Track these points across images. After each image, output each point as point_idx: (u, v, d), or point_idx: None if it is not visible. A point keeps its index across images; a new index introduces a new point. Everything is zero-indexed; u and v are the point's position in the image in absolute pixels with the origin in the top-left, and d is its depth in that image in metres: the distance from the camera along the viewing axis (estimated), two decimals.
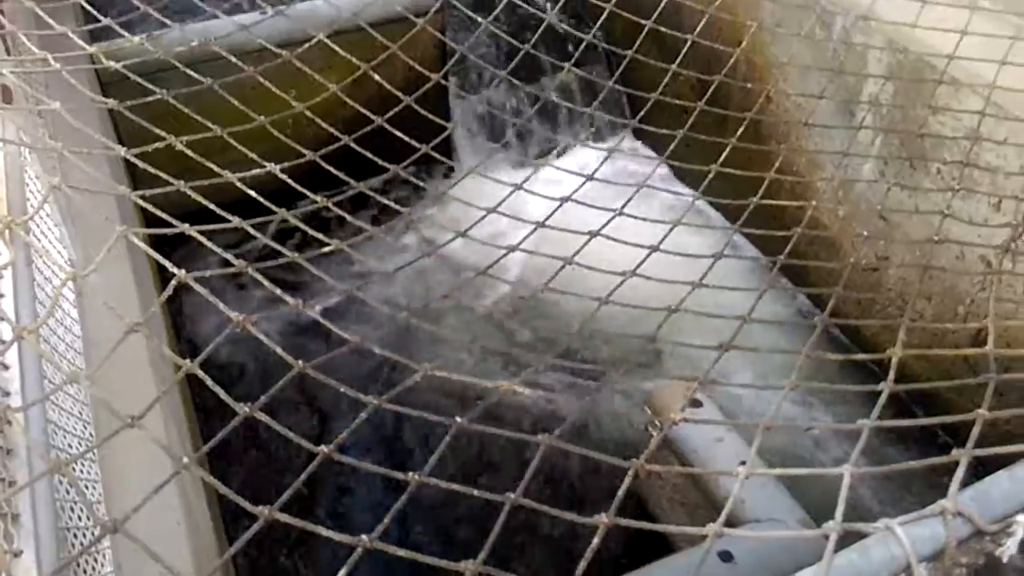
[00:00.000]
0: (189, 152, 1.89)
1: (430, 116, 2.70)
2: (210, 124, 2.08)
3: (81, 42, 2.14)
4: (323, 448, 1.35)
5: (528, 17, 5.08)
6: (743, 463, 3.23)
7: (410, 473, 1.37)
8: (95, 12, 2.36)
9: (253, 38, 2.86)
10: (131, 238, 1.52)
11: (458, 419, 1.49)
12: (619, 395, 3.88)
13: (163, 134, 1.93)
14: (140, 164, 1.73)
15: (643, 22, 3.11)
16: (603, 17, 3.12)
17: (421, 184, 2.47)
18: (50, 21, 2.30)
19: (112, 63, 2.11)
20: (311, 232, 1.91)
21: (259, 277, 1.65)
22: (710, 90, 2.96)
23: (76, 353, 2.73)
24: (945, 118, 3.73)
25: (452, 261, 2.48)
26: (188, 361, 1.41)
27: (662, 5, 3.15)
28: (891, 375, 1.52)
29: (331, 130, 2.37)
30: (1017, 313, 3.49)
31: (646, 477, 3.42)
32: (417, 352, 3.38)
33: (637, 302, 2.01)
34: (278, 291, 1.65)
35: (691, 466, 3.42)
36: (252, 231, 1.75)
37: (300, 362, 1.50)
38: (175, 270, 1.52)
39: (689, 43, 2.96)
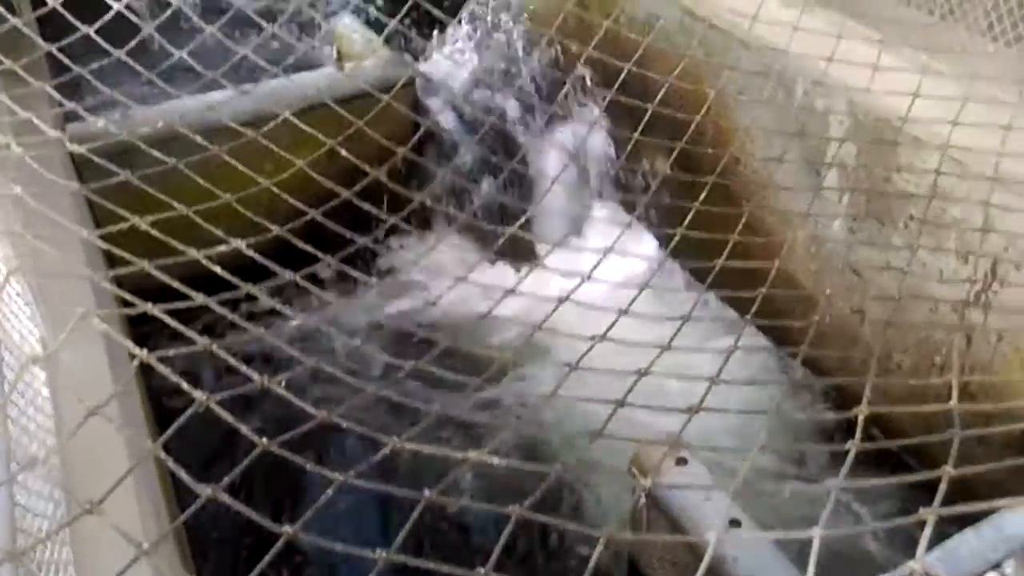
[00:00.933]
0: (155, 232, 1.90)
1: (399, 189, 2.74)
2: (177, 204, 2.10)
3: (47, 126, 2.16)
4: (287, 528, 1.33)
5: (497, 88, 5.19)
6: (734, 521, 3.20)
7: (378, 550, 1.35)
8: (60, 98, 2.38)
9: (222, 118, 2.90)
10: (93, 321, 1.52)
11: (427, 492, 1.47)
12: (602, 453, 3.85)
13: (129, 216, 1.94)
14: (105, 245, 1.74)
15: (606, 91, 3.19)
16: (565, 89, 3.19)
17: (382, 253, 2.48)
18: (15, 107, 2.33)
19: (79, 147, 2.13)
20: (278, 307, 1.91)
21: (223, 354, 1.64)
22: (674, 154, 3.02)
23: (47, 433, 2.69)
24: (909, 176, 3.83)
25: (419, 334, 2.48)
26: (150, 442, 1.39)
27: (623, 74, 3.22)
28: (858, 434, 1.53)
29: (300, 205, 2.39)
30: (990, 365, 3.53)
31: (628, 541, 3.38)
32: (390, 421, 3.36)
33: (607, 366, 2.02)
34: (243, 368, 1.64)
35: (679, 525, 3.38)
36: (218, 308, 1.75)
37: (264, 440, 1.48)
38: (135, 350, 1.51)
39: (649, 111, 3.03)
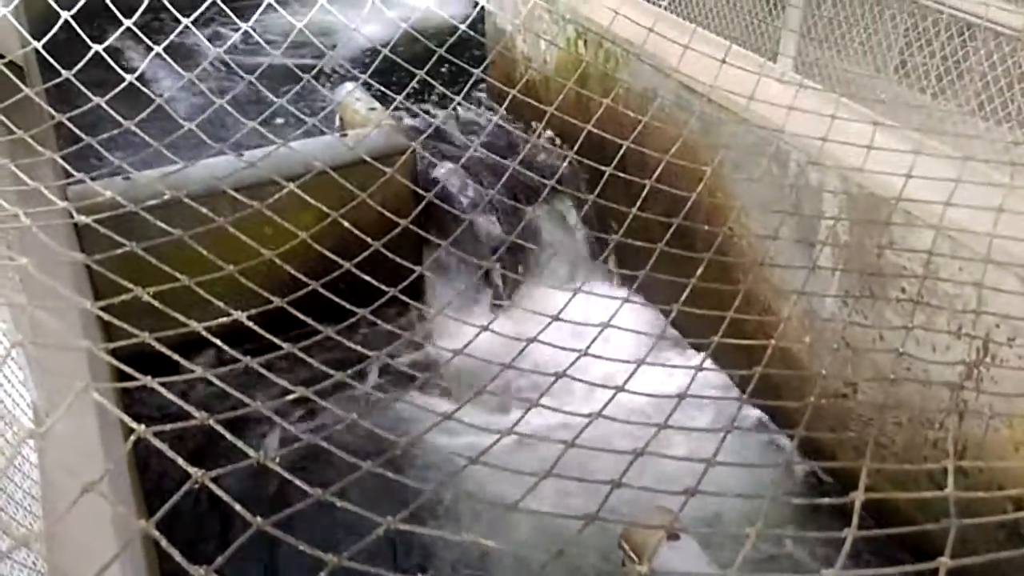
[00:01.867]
0: (156, 303, 1.91)
1: (399, 260, 2.76)
2: (178, 275, 2.11)
3: (53, 196, 2.19)
4: None
5: (495, 165, 5.26)
6: None
7: None
8: (68, 168, 2.42)
9: (225, 185, 2.93)
10: (92, 394, 1.52)
11: None
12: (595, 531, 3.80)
13: (130, 285, 1.95)
14: (107, 317, 1.75)
15: (603, 168, 3.23)
16: (565, 162, 3.24)
17: (387, 326, 2.50)
18: (19, 173, 2.36)
19: (85, 218, 2.15)
20: (275, 379, 1.91)
21: (220, 429, 1.64)
22: (671, 230, 3.05)
23: (33, 500, 2.65)
24: (902, 254, 3.87)
25: (420, 400, 2.48)
26: (142, 521, 1.38)
27: (622, 151, 3.28)
28: (855, 520, 1.52)
29: (300, 276, 2.41)
30: (983, 443, 3.52)
31: None
32: (386, 499, 3.31)
33: (603, 444, 2.01)
34: (240, 443, 1.64)
35: None
36: (215, 381, 1.75)
37: (258, 519, 1.47)
38: (134, 425, 1.51)
39: (647, 187, 3.07)
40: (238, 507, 1.47)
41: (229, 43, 2.87)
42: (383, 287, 2.51)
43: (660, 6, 4.48)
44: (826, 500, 1.64)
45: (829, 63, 4.98)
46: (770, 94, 3.97)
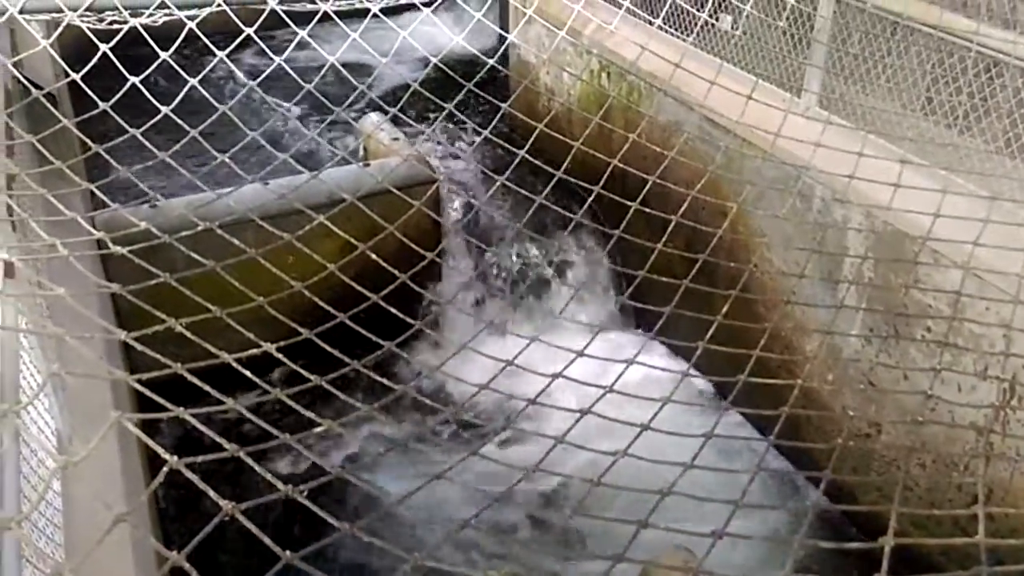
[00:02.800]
0: (188, 333, 1.93)
1: (422, 291, 2.78)
2: (208, 304, 2.13)
3: (88, 226, 2.22)
4: None
5: (522, 197, 5.28)
6: None
7: None
8: (104, 198, 2.46)
9: (253, 215, 2.96)
10: (125, 423, 1.53)
11: None
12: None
13: (163, 316, 1.97)
14: (138, 347, 1.77)
15: (625, 201, 3.23)
16: (592, 197, 3.25)
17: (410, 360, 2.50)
18: (52, 200, 2.40)
19: (121, 249, 2.18)
20: (304, 412, 1.92)
21: (250, 462, 1.64)
22: (696, 266, 3.05)
23: (56, 528, 2.66)
24: (926, 291, 3.84)
25: (442, 437, 2.48)
26: (174, 553, 1.39)
27: (648, 186, 3.28)
28: (884, 565, 1.50)
29: (326, 306, 2.42)
30: (1011, 486, 3.47)
31: None
32: (408, 533, 3.31)
33: (629, 483, 2.00)
34: (269, 476, 1.64)
35: None
36: (245, 413, 1.76)
37: (287, 552, 1.47)
38: (167, 456, 1.52)
39: (673, 222, 3.07)
40: (267, 540, 1.48)
41: (262, 76, 2.92)
42: (409, 320, 2.52)
43: (687, 41, 4.51)
44: (855, 544, 1.63)
45: (854, 99, 4.98)
46: (795, 129, 3.98)
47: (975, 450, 3.29)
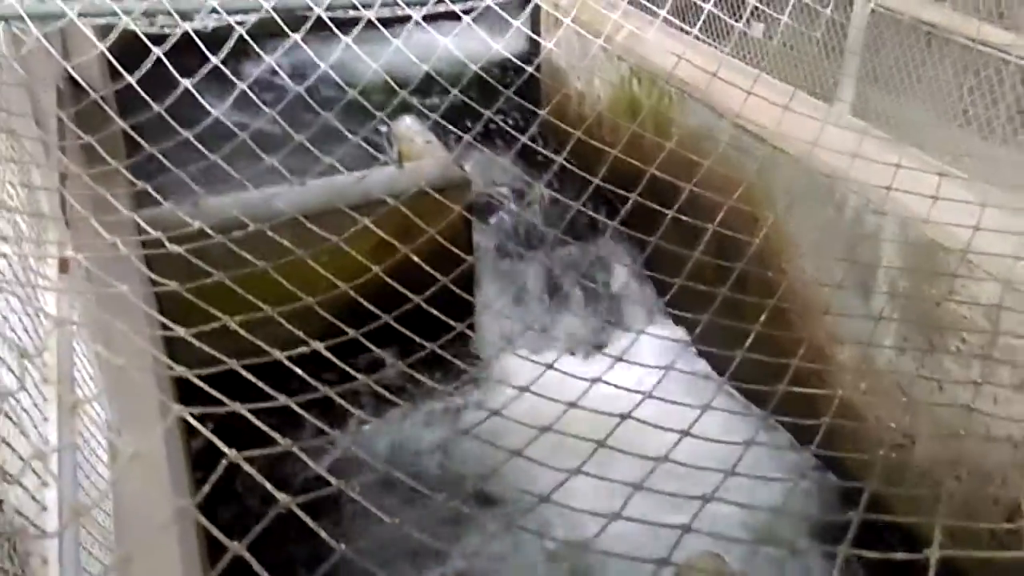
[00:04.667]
0: (241, 331, 1.98)
1: (459, 292, 2.81)
2: (260, 303, 2.18)
3: (144, 225, 2.28)
4: None
5: (553, 201, 5.32)
6: None
7: None
8: (155, 194, 2.52)
9: (293, 214, 3.01)
10: (187, 418, 1.58)
11: None
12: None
13: (218, 313, 2.02)
14: (197, 343, 1.82)
15: (661, 209, 3.25)
16: (628, 204, 3.27)
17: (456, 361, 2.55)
18: (108, 197, 2.46)
19: (177, 247, 2.24)
20: (354, 411, 1.96)
21: (303, 456, 1.69)
22: (733, 275, 3.07)
23: (107, 516, 2.72)
24: (961, 303, 3.83)
25: (482, 440, 2.51)
26: (235, 543, 1.43)
27: (684, 195, 3.30)
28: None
29: (374, 309, 2.47)
30: None
31: None
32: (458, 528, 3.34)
33: (670, 488, 2.02)
34: (322, 470, 1.69)
35: None
36: (298, 409, 1.81)
37: (342, 545, 1.51)
38: (226, 449, 1.56)
39: (710, 231, 3.09)
40: (322, 532, 1.52)
41: (309, 81, 2.98)
42: (451, 322, 2.56)
43: (723, 51, 4.53)
44: (900, 555, 1.64)
45: (887, 108, 4.97)
46: (828, 138, 3.99)
47: (1013, 463, 3.28)
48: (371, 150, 3.39)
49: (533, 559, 3.65)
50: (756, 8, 4.04)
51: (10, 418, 1.84)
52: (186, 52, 2.90)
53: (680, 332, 5.41)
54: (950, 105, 4.71)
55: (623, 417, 2.24)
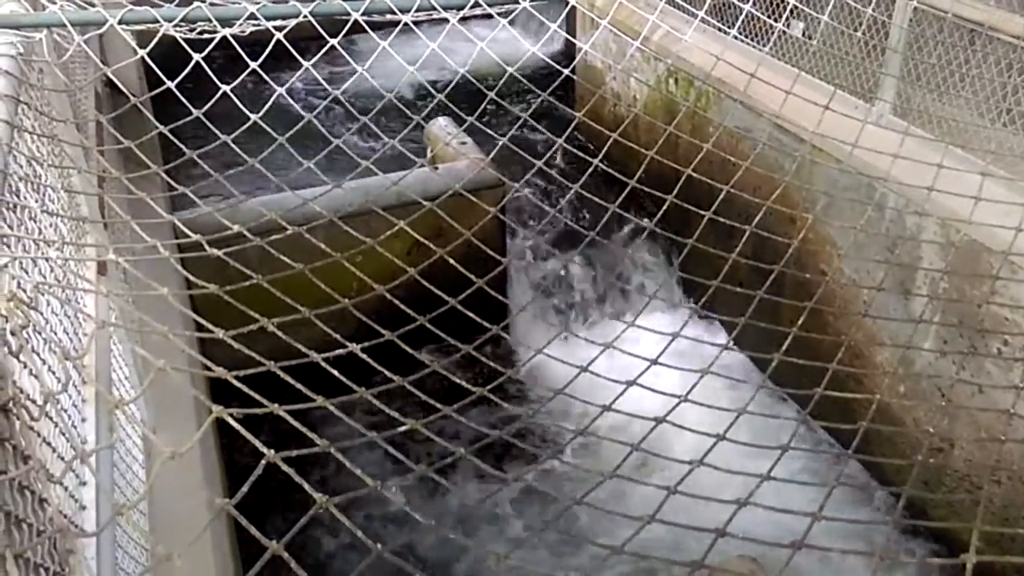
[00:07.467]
0: (279, 333, 2.00)
1: (494, 294, 2.82)
2: (299, 306, 2.20)
3: (183, 227, 2.31)
4: None
5: (588, 201, 5.30)
6: None
7: None
8: (196, 199, 2.56)
9: (329, 215, 3.03)
10: (227, 418, 1.60)
11: None
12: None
13: (256, 315, 2.05)
14: (236, 345, 1.84)
15: (697, 210, 3.23)
16: (665, 206, 3.25)
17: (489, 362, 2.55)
18: (146, 199, 2.50)
19: (219, 249, 2.27)
20: (392, 413, 1.98)
21: (340, 457, 1.70)
22: (771, 277, 3.04)
23: (141, 516, 2.77)
24: (1004, 306, 3.76)
25: (517, 444, 2.52)
26: (274, 542, 1.45)
27: (722, 196, 3.28)
28: None
29: (410, 311, 2.48)
30: None
31: None
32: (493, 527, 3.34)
33: (704, 492, 2.01)
34: (358, 471, 1.70)
35: None
36: (335, 411, 1.83)
37: (379, 546, 1.53)
38: (264, 450, 1.58)
39: (747, 233, 3.07)
40: (359, 533, 1.53)
41: (345, 86, 3.01)
42: (486, 324, 2.57)
43: (762, 50, 4.49)
44: (937, 559, 1.62)
45: (929, 108, 4.90)
46: (868, 138, 3.93)
47: None
48: (406, 152, 3.40)
49: (570, 562, 3.66)
50: (796, 7, 4.00)
51: (51, 418, 1.88)
52: (217, 56, 2.93)
53: (716, 334, 5.38)
54: (993, 104, 4.63)
55: (658, 421, 2.23)
